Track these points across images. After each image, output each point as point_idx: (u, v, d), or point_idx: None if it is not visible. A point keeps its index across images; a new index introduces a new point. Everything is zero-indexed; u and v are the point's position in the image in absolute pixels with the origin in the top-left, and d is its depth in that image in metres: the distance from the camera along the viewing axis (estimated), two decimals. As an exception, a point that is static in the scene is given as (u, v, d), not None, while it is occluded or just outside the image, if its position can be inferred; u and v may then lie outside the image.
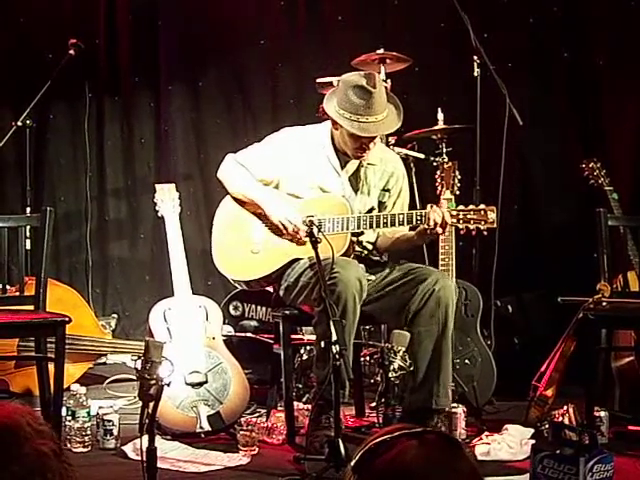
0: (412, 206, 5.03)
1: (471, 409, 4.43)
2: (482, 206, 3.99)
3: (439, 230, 3.97)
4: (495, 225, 3.97)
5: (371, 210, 4.31)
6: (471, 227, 3.97)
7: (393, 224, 4.06)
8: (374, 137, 4.13)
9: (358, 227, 4.11)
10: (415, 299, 4.03)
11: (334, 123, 4.18)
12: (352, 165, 4.30)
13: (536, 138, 5.96)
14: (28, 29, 6.57)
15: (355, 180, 4.30)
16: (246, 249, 4.27)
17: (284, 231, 4.18)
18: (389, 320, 4.31)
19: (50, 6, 6.62)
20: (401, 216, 4.05)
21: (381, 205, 4.35)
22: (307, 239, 3.93)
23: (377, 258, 4.39)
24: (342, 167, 4.28)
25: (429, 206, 4.00)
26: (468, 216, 3.97)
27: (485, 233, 4.02)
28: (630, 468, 3.78)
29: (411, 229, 4.19)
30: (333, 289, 3.79)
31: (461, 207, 4.01)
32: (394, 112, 4.17)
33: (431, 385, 4.05)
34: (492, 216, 3.96)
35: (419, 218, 4.01)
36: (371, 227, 4.11)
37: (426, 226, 3.97)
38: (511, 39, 6.12)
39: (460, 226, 3.99)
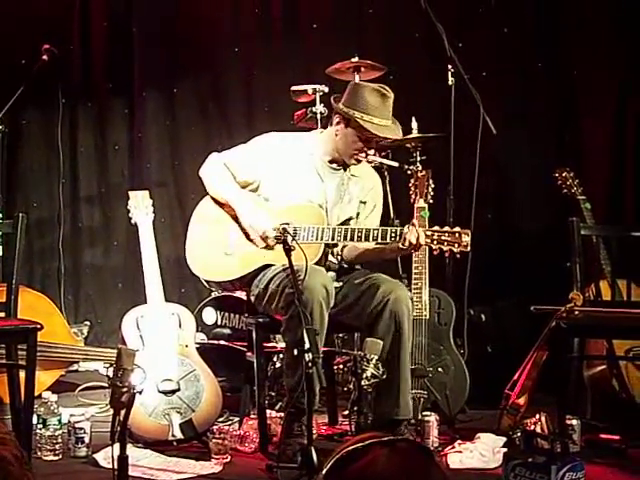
0: (386, 214, 5.04)
1: (444, 417, 4.44)
2: (457, 229, 3.97)
3: (412, 251, 4.03)
4: (468, 249, 3.96)
5: (349, 219, 4.33)
6: (444, 249, 3.95)
7: (367, 239, 4.06)
8: (379, 140, 4.19)
9: (332, 239, 4.11)
10: (369, 309, 4.07)
11: (338, 123, 4.21)
12: (337, 175, 4.34)
13: (510, 147, 5.99)
14: (0, 34, 6.52)
15: (338, 189, 4.32)
16: (220, 250, 4.27)
17: (252, 236, 4.19)
18: (357, 328, 4.34)
19: (23, 11, 6.57)
20: (375, 232, 4.05)
21: (356, 217, 4.38)
22: (279, 245, 3.92)
23: (346, 266, 4.40)
24: (327, 176, 4.32)
25: (406, 226, 4.00)
26: (442, 237, 3.94)
27: (458, 256, 4.03)
28: (601, 476, 3.80)
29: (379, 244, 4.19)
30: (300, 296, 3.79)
31: (436, 228, 3.99)
32: (396, 121, 4.26)
33: (392, 396, 4.07)
34: (466, 239, 3.93)
35: (393, 236, 4.01)
36: (345, 239, 4.12)
37: (401, 245, 3.98)
38: (485, 48, 6.14)
39: (433, 247, 3.97)
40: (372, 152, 4.26)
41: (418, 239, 3.94)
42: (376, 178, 4.53)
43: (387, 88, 4.19)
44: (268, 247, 4.20)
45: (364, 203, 4.40)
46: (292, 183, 4.26)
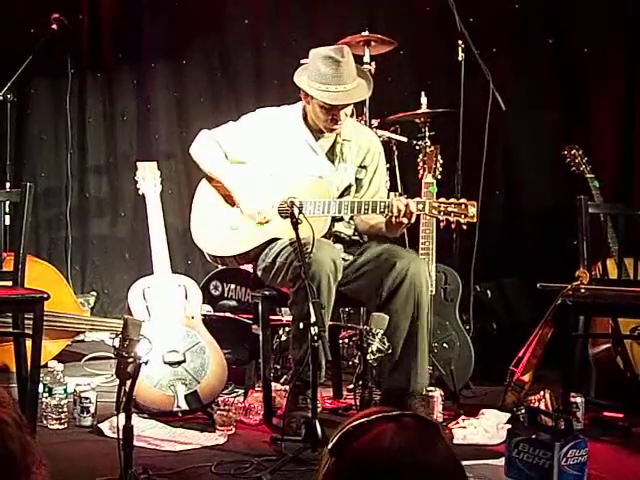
0: (394, 189, 5.04)
1: (448, 393, 4.45)
2: (463, 200, 3.99)
3: (404, 220, 3.95)
4: (475, 220, 3.96)
5: (349, 187, 4.31)
6: (451, 219, 3.95)
7: (375, 211, 4.05)
8: (344, 107, 4.13)
9: (339, 212, 4.10)
10: (387, 281, 4.03)
11: (305, 97, 4.19)
12: (327, 142, 4.30)
13: (519, 124, 5.96)
14: (10, 3, 6.50)
15: (331, 157, 4.29)
16: (225, 225, 4.26)
17: (245, 212, 4.19)
18: (366, 301, 4.32)
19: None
20: (382, 203, 4.03)
21: (358, 182, 4.34)
22: (287, 219, 3.91)
23: (356, 238, 4.39)
24: (319, 146, 4.28)
25: (391, 195, 4.00)
26: (449, 209, 3.95)
27: (465, 227, 4.02)
28: (604, 454, 3.81)
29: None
30: (307, 269, 3.78)
31: (442, 199, 4.00)
32: (364, 84, 4.18)
33: (408, 368, 4.07)
34: (472, 211, 3.94)
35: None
36: (352, 212, 4.11)
37: (390, 214, 3.96)
38: (496, 24, 6.11)
39: (440, 218, 3.98)
40: (345, 117, 4.18)
41: (407, 206, 3.92)
42: (371, 138, 4.46)
43: (343, 51, 4.09)
44: (263, 222, 4.19)
45: (364, 168, 4.34)
46: (287, 158, 4.23)
